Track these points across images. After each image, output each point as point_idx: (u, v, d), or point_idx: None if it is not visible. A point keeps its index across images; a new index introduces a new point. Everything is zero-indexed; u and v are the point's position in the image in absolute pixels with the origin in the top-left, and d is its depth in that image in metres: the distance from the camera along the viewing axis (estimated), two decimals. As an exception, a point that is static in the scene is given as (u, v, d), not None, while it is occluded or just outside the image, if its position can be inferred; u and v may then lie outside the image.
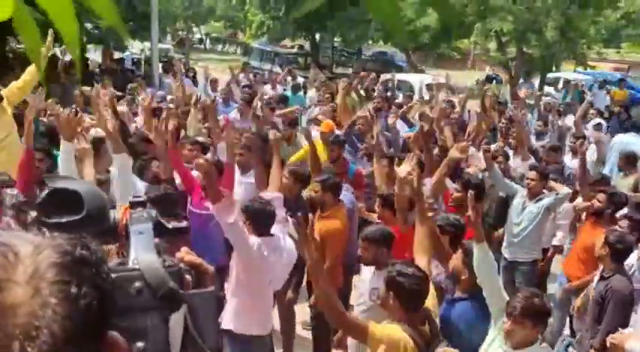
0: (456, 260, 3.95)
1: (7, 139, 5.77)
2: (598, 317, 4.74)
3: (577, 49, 22.95)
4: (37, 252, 0.73)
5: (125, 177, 4.77)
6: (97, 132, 5.86)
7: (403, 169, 5.01)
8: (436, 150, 7.52)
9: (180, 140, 6.75)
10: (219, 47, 49.11)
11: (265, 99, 11.09)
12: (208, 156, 6.22)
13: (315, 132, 8.45)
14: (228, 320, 4.43)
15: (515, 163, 7.78)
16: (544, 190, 6.19)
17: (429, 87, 16.31)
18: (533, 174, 6.22)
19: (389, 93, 14.06)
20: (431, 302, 3.47)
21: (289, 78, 15.63)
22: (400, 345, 3.12)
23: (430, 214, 4.34)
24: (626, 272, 4.84)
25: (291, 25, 29.24)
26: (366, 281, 4.48)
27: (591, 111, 12.09)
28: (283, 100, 11.78)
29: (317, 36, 31.05)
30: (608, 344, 4.13)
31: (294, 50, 30.88)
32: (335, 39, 32.78)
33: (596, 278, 4.93)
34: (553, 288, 6.45)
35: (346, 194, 5.94)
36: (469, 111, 11.17)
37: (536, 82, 23.30)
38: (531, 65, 23.61)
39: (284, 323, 5.57)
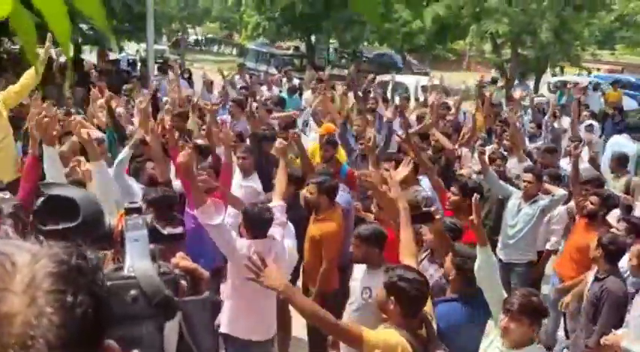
0: (447, 261, 3.96)
1: (4, 141, 5.76)
2: (592, 318, 4.77)
3: (571, 50, 23.03)
4: (34, 261, 0.73)
5: (106, 185, 4.67)
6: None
7: (398, 173, 5.03)
8: (430, 153, 7.56)
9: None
10: (215, 48, 49.05)
11: (262, 100, 11.10)
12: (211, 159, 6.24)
13: (315, 134, 8.47)
14: (225, 324, 4.44)
15: (511, 164, 7.79)
16: (539, 192, 6.22)
17: (424, 88, 16.34)
18: (528, 176, 6.24)
19: (389, 96, 14.07)
20: (427, 305, 3.49)
21: (285, 80, 15.64)
22: (397, 350, 3.12)
23: (438, 216, 4.36)
24: (621, 273, 4.87)
25: (287, 26, 29.24)
26: (357, 280, 4.48)
27: (584, 112, 12.12)
28: (281, 103, 11.78)
29: (312, 37, 31.04)
30: (601, 344, 4.17)
31: (290, 51, 30.89)
32: (330, 40, 32.78)
33: (591, 278, 4.96)
34: (547, 289, 6.47)
35: (342, 194, 5.95)
36: (464, 113, 11.19)
37: (532, 83, 23.36)
38: (526, 67, 23.68)
39: (279, 324, 5.57)
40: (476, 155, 7.19)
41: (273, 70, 22.26)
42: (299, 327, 5.51)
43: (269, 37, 32.00)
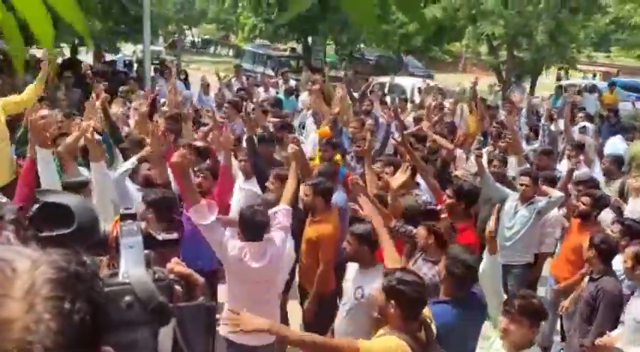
0: (440, 265, 3.98)
1: (1, 145, 5.77)
2: (587, 318, 4.80)
3: (567, 53, 23.09)
4: (34, 268, 0.74)
5: (104, 183, 4.69)
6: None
7: (396, 179, 5.06)
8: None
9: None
10: (212, 49, 49.03)
11: (258, 102, 11.10)
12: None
13: (314, 135, 8.48)
14: (222, 326, 4.45)
15: (509, 166, 7.82)
16: (535, 194, 6.24)
17: (420, 90, 16.39)
18: (525, 179, 6.26)
19: (387, 98, 14.09)
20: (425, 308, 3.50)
21: (281, 81, 15.64)
22: None
23: (443, 215, 4.39)
24: (615, 272, 4.91)
25: (284, 27, 29.24)
26: (350, 280, 4.50)
27: (579, 114, 12.15)
28: (277, 104, 11.80)
29: (309, 39, 31.06)
30: (596, 345, 4.19)
31: (287, 53, 30.89)
32: (327, 41, 32.79)
33: (586, 278, 5.00)
34: (543, 291, 6.48)
35: (339, 193, 5.97)
36: (461, 110, 11.21)
37: (528, 85, 23.43)
38: (522, 69, 23.74)
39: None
40: (472, 157, 7.20)
41: (269, 72, 22.27)
42: (296, 328, 5.52)
43: (266, 39, 32.01)
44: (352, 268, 4.55)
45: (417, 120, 9.75)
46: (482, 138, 9.42)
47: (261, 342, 4.48)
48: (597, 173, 8.32)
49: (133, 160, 5.41)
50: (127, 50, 25.75)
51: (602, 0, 23.44)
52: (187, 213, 4.31)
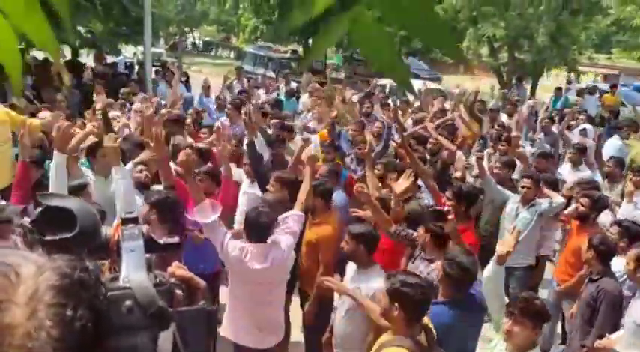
0: (439, 266, 3.98)
1: (3, 147, 5.78)
2: (589, 319, 4.81)
3: (568, 54, 23.09)
4: (38, 273, 0.75)
5: (129, 186, 4.70)
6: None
7: (400, 185, 5.07)
8: (426, 156, 7.59)
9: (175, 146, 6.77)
10: (213, 51, 49.08)
11: (257, 103, 11.11)
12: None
13: (316, 136, 8.50)
14: (229, 329, 4.48)
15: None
16: (536, 197, 6.25)
17: (421, 92, 16.37)
18: (527, 181, 6.26)
19: (389, 100, 14.08)
20: None
21: (282, 83, 15.65)
22: None
23: (451, 217, 4.41)
24: (614, 273, 4.93)
25: (285, 29, 29.23)
26: (347, 281, 4.54)
27: (580, 116, 12.15)
28: (278, 104, 11.84)
29: (310, 41, 31.06)
30: (595, 347, 4.19)
31: (288, 55, 30.90)
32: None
33: (586, 279, 5.02)
34: (545, 294, 6.49)
35: (338, 192, 5.98)
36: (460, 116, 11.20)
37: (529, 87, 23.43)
38: (523, 70, 23.74)
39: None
40: (473, 159, 7.21)
41: (270, 74, 22.28)
42: (297, 330, 5.54)
43: (267, 40, 32.02)
44: (351, 268, 4.58)
45: (417, 122, 9.75)
46: (481, 141, 9.42)
47: (266, 345, 4.50)
48: (597, 176, 8.32)
49: (130, 165, 5.42)
50: (128, 52, 25.74)
51: (603, 2, 23.47)
52: (191, 212, 4.33)
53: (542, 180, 6.53)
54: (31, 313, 0.71)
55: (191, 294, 1.12)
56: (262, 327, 4.48)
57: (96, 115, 7.03)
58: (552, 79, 25.09)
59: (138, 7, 16.60)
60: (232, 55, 43.64)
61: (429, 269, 4.40)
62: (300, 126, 10.27)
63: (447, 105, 12.07)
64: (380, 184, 6.23)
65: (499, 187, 6.58)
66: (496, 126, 10.20)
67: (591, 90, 18.78)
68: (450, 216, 4.40)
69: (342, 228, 5.42)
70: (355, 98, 11.95)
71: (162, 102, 10.59)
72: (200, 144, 7.04)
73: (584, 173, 8.07)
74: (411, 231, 4.88)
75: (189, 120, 8.84)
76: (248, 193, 6.27)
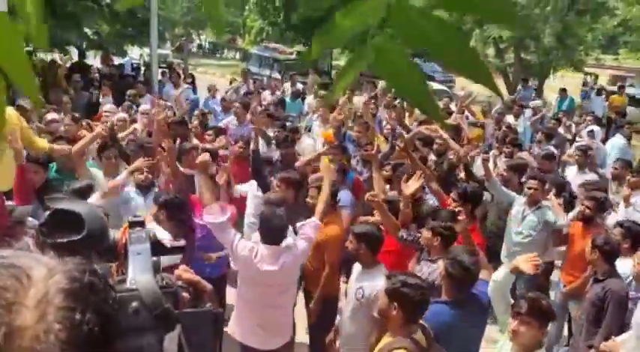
0: (441, 266, 3.99)
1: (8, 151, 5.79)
2: (594, 319, 4.80)
3: (575, 55, 23.02)
4: (49, 276, 0.75)
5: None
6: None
7: (410, 187, 5.08)
8: (432, 157, 7.59)
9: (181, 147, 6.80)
10: (218, 53, 49.12)
11: (264, 105, 11.15)
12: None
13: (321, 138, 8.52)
14: (229, 325, 4.50)
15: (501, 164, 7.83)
16: (542, 199, 6.23)
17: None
18: (534, 182, 6.22)
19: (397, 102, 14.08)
20: None
21: (288, 84, 15.66)
22: None
23: (461, 217, 4.42)
24: (619, 273, 4.93)
25: (290, 31, 29.24)
26: (352, 281, 4.57)
27: (587, 117, 12.13)
28: (281, 104, 11.88)
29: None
30: (600, 349, 4.18)
31: (293, 56, 30.90)
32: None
33: (590, 280, 5.01)
34: (552, 295, 6.48)
35: (345, 192, 5.99)
36: (467, 118, 11.19)
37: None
38: (529, 72, 23.68)
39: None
40: (479, 161, 7.20)
41: (276, 75, 22.26)
42: (302, 330, 5.54)
43: (272, 42, 32.02)
44: (357, 268, 4.60)
45: (423, 124, 9.73)
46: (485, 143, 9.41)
47: (272, 346, 4.51)
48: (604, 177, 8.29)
49: (125, 173, 5.46)
50: (135, 54, 25.78)
51: (610, 2, 23.38)
52: (199, 214, 4.35)
53: (552, 183, 6.51)
54: (41, 316, 0.72)
55: (198, 297, 1.13)
56: (269, 329, 4.49)
57: (102, 117, 7.05)
58: (558, 80, 24.98)
59: (144, 8, 16.63)
60: (238, 56, 43.70)
61: (430, 269, 4.41)
62: (306, 127, 10.30)
63: (453, 106, 12.08)
64: (388, 186, 6.24)
65: (504, 189, 6.57)
66: (504, 128, 10.20)
67: (598, 91, 18.74)
68: (461, 217, 4.41)
69: (348, 228, 5.44)
70: (358, 99, 11.95)
71: (168, 103, 10.62)
72: (207, 145, 7.06)
73: (590, 175, 8.04)
74: (418, 234, 4.89)
75: (195, 122, 8.86)
76: (258, 197, 6.28)
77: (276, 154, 7.50)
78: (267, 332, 4.47)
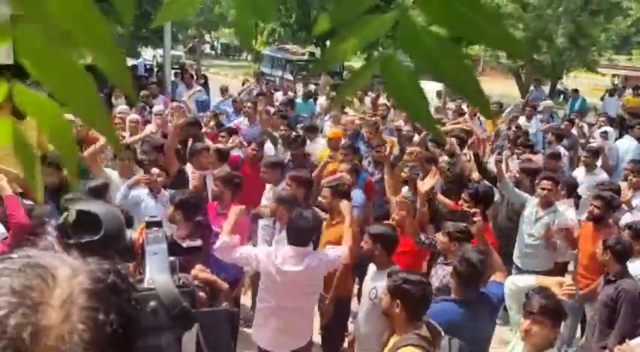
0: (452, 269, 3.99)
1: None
2: (607, 320, 4.77)
3: (588, 55, 22.87)
4: (73, 276, 0.76)
5: None
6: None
7: (425, 183, 5.08)
8: (445, 158, 7.56)
9: (192, 147, 6.84)
10: (231, 54, 49.26)
11: (277, 106, 11.18)
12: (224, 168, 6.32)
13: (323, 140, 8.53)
14: (256, 333, 4.53)
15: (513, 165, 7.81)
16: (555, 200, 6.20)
17: (438, 94, 16.35)
18: (547, 183, 6.16)
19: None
20: None
21: (299, 85, 15.70)
22: None
23: (476, 219, 4.41)
24: (630, 273, 4.91)
25: (302, 32, 29.28)
26: (367, 281, 4.57)
27: (601, 118, 12.05)
28: (290, 103, 11.92)
29: (327, 43, 31.07)
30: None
31: (305, 57, 30.94)
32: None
33: (601, 281, 4.99)
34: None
35: (357, 191, 5.99)
36: (479, 119, 11.16)
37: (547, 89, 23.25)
38: (542, 72, 23.56)
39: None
40: (492, 162, 7.17)
41: (288, 76, 22.32)
42: (314, 332, 5.54)
43: (284, 43, 32.05)
44: (372, 268, 4.60)
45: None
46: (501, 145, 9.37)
47: (289, 349, 4.51)
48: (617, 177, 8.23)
49: (124, 187, 5.50)
50: (148, 55, 25.94)
51: (623, 2, 23.22)
52: (215, 248, 4.37)
53: (565, 185, 6.47)
54: (65, 316, 0.73)
55: (214, 296, 1.15)
56: (289, 332, 4.47)
57: (116, 119, 7.09)
58: (571, 81, 24.85)
59: (157, 10, 16.74)
60: (250, 57, 43.77)
61: (445, 272, 4.41)
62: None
63: (465, 106, 12.04)
64: (407, 187, 6.24)
65: (517, 190, 6.54)
66: (513, 128, 10.15)
67: (611, 92, 18.61)
68: (477, 218, 4.41)
69: (361, 228, 5.44)
70: (369, 100, 11.95)
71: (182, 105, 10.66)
72: (219, 145, 7.10)
73: (600, 176, 7.98)
74: (433, 238, 4.90)
75: (212, 123, 8.88)
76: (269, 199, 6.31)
77: (287, 155, 7.52)
78: (285, 336, 4.47)
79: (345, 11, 0.77)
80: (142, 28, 18.28)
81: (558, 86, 23.85)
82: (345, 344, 4.88)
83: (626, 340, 4.28)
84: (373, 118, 9.02)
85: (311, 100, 13.77)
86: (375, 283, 4.38)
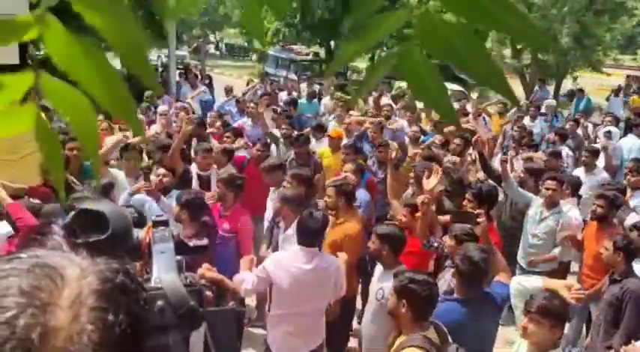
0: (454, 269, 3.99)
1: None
2: (612, 320, 4.76)
3: (593, 55, 22.80)
4: (82, 277, 0.76)
5: None
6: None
7: (430, 182, 5.07)
8: (449, 157, 7.56)
9: (195, 148, 6.87)
10: (235, 54, 49.27)
11: (281, 106, 11.20)
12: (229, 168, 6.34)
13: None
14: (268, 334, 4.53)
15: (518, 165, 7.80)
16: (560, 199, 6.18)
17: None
18: (552, 183, 6.13)
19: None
20: None
21: (304, 85, 15.69)
22: None
23: (481, 219, 4.40)
24: (636, 273, 4.89)
25: (306, 32, 29.26)
26: (374, 282, 4.57)
27: (607, 118, 12.02)
28: (293, 103, 11.93)
29: (332, 43, 31.05)
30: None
31: (310, 57, 30.91)
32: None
33: (606, 281, 4.97)
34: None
35: (361, 191, 6.00)
36: (484, 119, 11.16)
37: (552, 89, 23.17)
38: (546, 72, 23.49)
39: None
40: (497, 161, 7.16)
41: (292, 76, 22.31)
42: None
43: (289, 43, 32.05)
44: (378, 269, 4.59)
45: (437, 125, 9.72)
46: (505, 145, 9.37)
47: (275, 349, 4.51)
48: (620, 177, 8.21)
49: (125, 195, 5.50)
50: (152, 55, 25.99)
51: (628, 2, 23.13)
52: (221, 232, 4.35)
53: (569, 184, 6.45)
54: (74, 317, 0.72)
55: (220, 295, 1.15)
56: (298, 335, 4.45)
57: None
58: (572, 80, 24.75)
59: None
60: (254, 57, 43.78)
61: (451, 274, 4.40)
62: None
63: (469, 107, 12.04)
64: (410, 190, 6.23)
65: (521, 190, 6.52)
66: (516, 127, 10.14)
67: (616, 92, 18.55)
68: (481, 219, 4.40)
69: (365, 227, 5.44)
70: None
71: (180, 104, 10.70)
72: (225, 146, 7.12)
73: (600, 176, 7.96)
74: (440, 241, 4.90)
75: (218, 124, 8.89)
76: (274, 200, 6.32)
77: (290, 154, 7.53)
78: (296, 339, 4.45)
79: (365, 11, 0.77)
80: (146, 29, 18.30)
81: (571, 86, 23.71)
82: (355, 344, 4.87)
83: (632, 341, 4.27)
84: (377, 119, 9.04)
85: (315, 100, 13.77)
86: (381, 284, 4.37)
